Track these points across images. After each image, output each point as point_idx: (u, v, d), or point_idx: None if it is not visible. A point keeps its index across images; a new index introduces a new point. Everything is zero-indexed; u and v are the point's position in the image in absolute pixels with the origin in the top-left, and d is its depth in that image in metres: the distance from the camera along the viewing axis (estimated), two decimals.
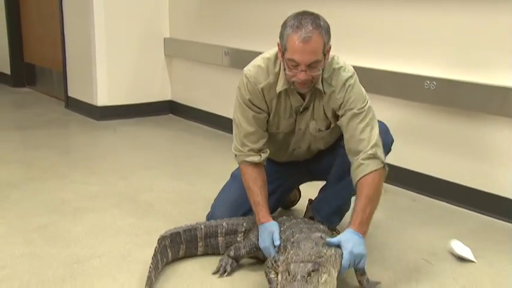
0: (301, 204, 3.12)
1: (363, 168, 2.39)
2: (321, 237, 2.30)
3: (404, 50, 3.49)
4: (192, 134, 4.98)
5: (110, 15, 5.19)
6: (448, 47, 3.27)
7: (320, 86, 2.46)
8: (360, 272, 2.33)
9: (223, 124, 4.84)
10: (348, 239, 2.27)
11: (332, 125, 2.57)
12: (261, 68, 2.52)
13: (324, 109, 2.53)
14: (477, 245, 2.75)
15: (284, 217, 2.57)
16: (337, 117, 2.53)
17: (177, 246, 2.55)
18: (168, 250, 2.51)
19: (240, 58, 4.10)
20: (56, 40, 5.86)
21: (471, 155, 3.25)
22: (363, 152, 2.40)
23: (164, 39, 5.51)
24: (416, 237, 2.91)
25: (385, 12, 3.58)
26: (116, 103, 5.38)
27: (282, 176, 2.81)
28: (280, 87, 2.49)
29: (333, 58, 2.48)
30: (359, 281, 2.34)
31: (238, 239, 2.62)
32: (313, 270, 2.07)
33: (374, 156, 2.40)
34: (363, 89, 2.52)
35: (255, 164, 2.57)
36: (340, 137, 2.57)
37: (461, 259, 2.64)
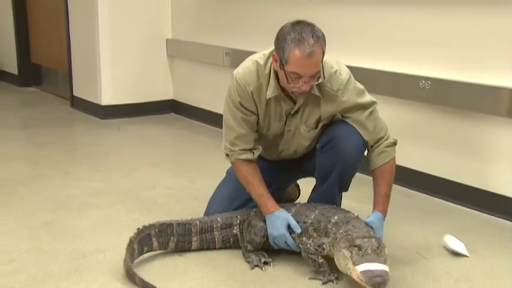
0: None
1: (385, 156, 2.52)
2: (358, 216, 2.39)
3: (399, 50, 3.49)
4: (194, 132, 4.98)
5: (114, 17, 5.18)
6: (442, 48, 3.27)
7: (315, 92, 2.45)
8: None
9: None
10: (379, 227, 2.42)
11: (321, 124, 2.57)
12: (251, 70, 2.49)
13: (319, 112, 2.52)
14: (470, 240, 2.75)
15: (299, 205, 2.56)
16: (331, 116, 2.54)
17: (166, 237, 2.53)
18: (153, 239, 2.50)
19: (240, 58, 4.06)
20: (62, 41, 5.86)
21: (465, 153, 3.25)
22: (383, 139, 2.52)
23: (166, 40, 5.50)
24: (412, 232, 2.91)
25: (381, 14, 3.58)
26: (119, 102, 5.38)
27: (274, 173, 2.77)
28: (270, 93, 2.46)
29: (325, 62, 2.43)
30: None
31: (234, 231, 2.61)
32: (379, 245, 2.17)
33: (394, 144, 2.54)
34: (361, 85, 2.53)
35: (249, 161, 2.57)
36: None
37: (455, 254, 2.64)
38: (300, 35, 2.28)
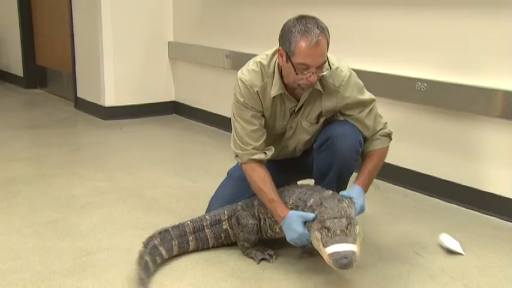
0: None
1: (378, 142, 2.56)
2: (333, 193, 2.36)
3: (396, 53, 3.49)
4: (195, 133, 4.98)
5: (116, 20, 5.18)
6: (438, 51, 3.27)
7: (318, 86, 2.45)
8: None
9: (224, 123, 4.84)
10: (358, 195, 2.41)
11: (322, 119, 2.57)
12: (255, 71, 2.49)
13: (320, 107, 2.52)
14: (465, 238, 2.76)
15: (281, 189, 2.52)
16: (332, 111, 2.54)
17: (169, 243, 2.50)
18: (160, 248, 2.46)
19: (240, 60, 4.09)
20: (66, 44, 5.86)
21: (460, 153, 3.25)
22: (381, 130, 2.56)
23: (168, 42, 5.50)
24: (408, 231, 2.91)
25: (378, 17, 3.57)
26: (122, 103, 5.38)
27: (273, 173, 2.74)
28: (275, 92, 2.46)
29: (327, 58, 2.44)
30: None
31: (224, 227, 2.59)
32: (348, 224, 2.13)
33: (389, 135, 2.58)
34: (360, 81, 2.54)
35: (260, 163, 2.52)
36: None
37: (450, 252, 2.64)
38: (305, 26, 2.29)
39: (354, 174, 2.60)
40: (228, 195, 2.72)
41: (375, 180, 2.68)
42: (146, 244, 2.44)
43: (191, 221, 2.60)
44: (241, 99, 2.50)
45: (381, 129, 2.56)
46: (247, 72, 2.51)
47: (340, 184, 2.58)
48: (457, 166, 3.28)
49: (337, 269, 2.04)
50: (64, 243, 2.66)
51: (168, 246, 2.51)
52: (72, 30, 5.62)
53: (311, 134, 2.61)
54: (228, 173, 2.87)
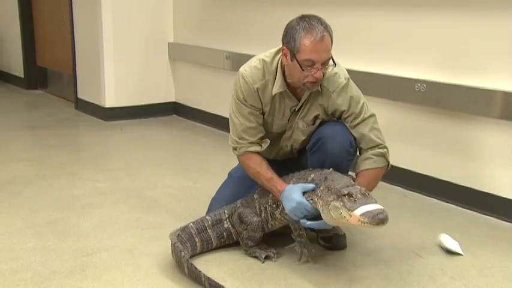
0: None
1: (370, 162, 2.46)
2: (333, 170, 2.36)
3: (396, 54, 3.49)
4: (195, 134, 4.98)
5: (117, 21, 5.18)
6: (437, 51, 3.27)
7: (318, 87, 2.46)
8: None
9: (224, 124, 4.80)
10: None
11: (318, 121, 2.57)
12: (257, 68, 2.50)
13: (317, 109, 2.52)
14: (464, 238, 2.75)
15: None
16: (327, 115, 2.54)
17: (184, 245, 2.48)
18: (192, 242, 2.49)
19: (240, 62, 4.07)
20: (67, 45, 5.86)
21: (459, 154, 3.25)
22: (373, 148, 2.48)
23: (168, 43, 5.50)
24: (407, 231, 2.91)
25: (378, 18, 3.57)
26: (122, 104, 5.37)
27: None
28: (276, 89, 2.47)
29: None
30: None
31: (226, 226, 2.59)
32: (365, 189, 2.17)
33: (383, 155, 2.48)
34: (359, 91, 2.52)
35: (257, 153, 2.56)
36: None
37: (450, 252, 2.64)
38: (309, 23, 2.32)
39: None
40: (229, 196, 2.72)
41: None
42: (178, 236, 2.45)
43: (193, 223, 2.59)
44: (241, 96, 2.51)
45: (374, 147, 2.49)
46: (249, 69, 2.52)
47: None
48: (456, 167, 3.28)
49: (374, 226, 2.03)
50: (64, 244, 2.66)
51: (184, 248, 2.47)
52: (73, 31, 5.61)
53: (306, 134, 2.61)
54: (229, 174, 2.87)
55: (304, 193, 2.31)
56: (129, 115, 5.37)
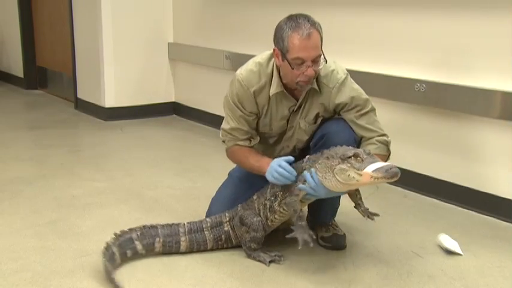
0: None
1: (373, 148, 2.46)
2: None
3: (395, 54, 3.49)
4: (195, 134, 4.98)
5: (117, 21, 5.18)
6: (437, 52, 3.27)
7: (315, 85, 2.46)
8: None
9: None
10: None
11: (319, 119, 2.57)
12: (253, 71, 2.51)
13: (317, 107, 2.52)
14: (464, 238, 2.76)
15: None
16: (328, 112, 2.54)
17: (150, 239, 2.51)
18: (136, 242, 2.48)
19: (240, 62, 4.08)
20: (67, 45, 5.86)
21: (459, 154, 3.25)
22: (378, 136, 2.50)
23: (168, 43, 5.50)
24: (407, 231, 2.91)
25: (377, 18, 3.57)
26: (122, 104, 5.37)
27: None
28: (273, 90, 2.48)
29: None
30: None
31: (225, 228, 2.59)
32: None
33: (386, 144, 2.50)
34: (358, 86, 2.54)
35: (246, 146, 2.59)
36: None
37: (449, 252, 2.64)
38: (296, 22, 2.34)
39: None
40: (229, 196, 2.72)
41: None
42: (119, 235, 2.46)
43: (189, 222, 2.60)
44: (235, 98, 2.53)
45: (378, 135, 2.52)
46: (245, 72, 2.53)
47: None
48: (456, 167, 3.28)
49: (389, 179, 2.08)
50: (64, 244, 2.66)
51: (148, 242, 2.51)
52: (73, 32, 5.61)
53: (309, 134, 2.62)
54: (229, 174, 2.88)
55: (290, 164, 2.38)
56: (129, 115, 5.37)
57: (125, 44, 5.27)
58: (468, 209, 3.21)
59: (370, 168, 2.09)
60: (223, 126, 2.64)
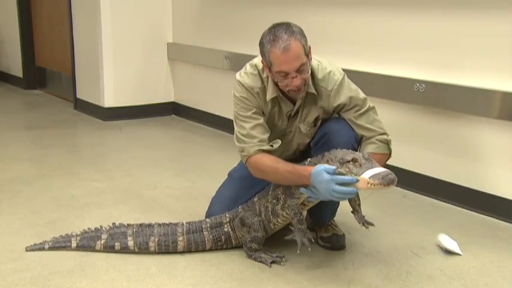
0: None
1: (373, 147, 2.47)
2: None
3: (395, 54, 3.49)
4: (194, 134, 4.98)
5: (116, 21, 5.18)
6: (436, 52, 3.27)
7: (312, 90, 2.45)
8: None
9: (223, 124, 4.84)
10: None
11: (319, 122, 2.57)
12: (253, 74, 2.52)
13: (316, 110, 2.52)
14: (463, 238, 2.76)
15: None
16: (328, 114, 2.54)
17: (144, 237, 2.53)
18: (129, 238, 2.53)
19: (239, 62, 4.10)
20: (66, 45, 5.86)
21: (458, 154, 3.25)
22: (378, 134, 2.49)
23: (168, 43, 5.50)
24: (406, 231, 2.91)
25: (377, 18, 3.57)
26: (121, 104, 5.37)
27: None
28: (269, 95, 2.48)
29: (320, 63, 2.49)
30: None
31: (225, 229, 2.59)
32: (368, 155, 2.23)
33: (387, 143, 2.49)
34: (355, 86, 2.54)
35: (268, 152, 2.49)
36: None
37: (449, 252, 2.64)
38: (274, 35, 2.33)
39: None
40: (230, 196, 2.72)
41: None
42: (115, 227, 2.52)
43: (188, 222, 2.60)
44: (242, 99, 2.51)
45: (378, 135, 2.51)
46: (245, 76, 2.52)
47: None
48: (455, 167, 3.28)
49: (385, 187, 2.07)
50: None
51: (142, 240, 2.53)
52: (72, 32, 5.61)
53: (310, 136, 2.62)
54: (229, 174, 2.87)
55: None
56: (128, 115, 5.37)
57: (124, 44, 5.27)
58: (467, 209, 3.21)
59: (367, 174, 2.10)
60: (238, 135, 2.52)
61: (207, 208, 2.80)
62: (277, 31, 2.33)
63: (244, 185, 2.68)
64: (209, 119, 5.16)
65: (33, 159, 4.09)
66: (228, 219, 2.60)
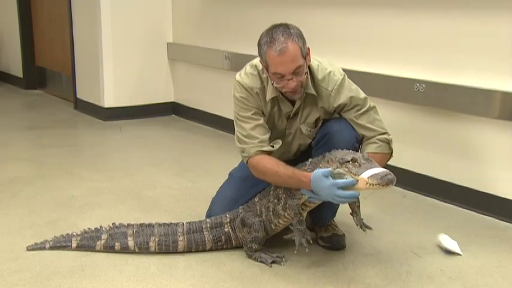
0: None
1: (374, 147, 2.47)
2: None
3: (395, 54, 3.49)
4: (194, 134, 4.97)
5: (116, 22, 5.18)
6: (436, 52, 3.27)
7: (311, 91, 2.45)
8: None
9: (223, 124, 4.84)
10: None
11: (319, 123, 2.57)
12: (253, 74, 2.52)
13: (317, 111, 2.52)
14: (463, 238, 2.76)
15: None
16: (328, 114, 2.54)
17: (145, 237, 2.54)
18: (129, 238, 2.54)
19: (239, 62, 4.11)
20: (66, 45, 5.86)
21: (458, 154, 3.25)
22: (378, 134, 2.49)
23: (168, 43, 5.50)
24: (406, 231, 2.91)
25: (377, 18, 3.57)
26: (121, 104, 5.37)
27: None
28: (269, 95, 2.49)
29: (320, 63, 2.49)
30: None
31: (226, 229, 2.59)
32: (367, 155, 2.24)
33: (388, 142, 2.49)
34: (356, 86, 2.54)
35: (268, 154, 2.49)
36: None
37: (449, 252, 2.64)
38: (271, 37, 2.33)
39: None
40: (230, 196, 2.72)
41: None
42: (115, 227, 2.52)
43: (188, 222, 2.60)
44: (242, 100, 2.51)
45: (379, 134, 2.51)
46: (245, 76, 2.52)
47: None
48: (455, 167, 3.28)
49: (383, 187, 2.07)
50: None
51: (142, 240, 2.53)
52: (72, 32, 5.61)
53: (311, 137, 2.62)
54: (230, 174, 2.87)
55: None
56: (128, 115, 5.37)
57: (124, 44, 5.27)
58: (467, 209, 3.21)
59: (366, 174, 2.10)
60: (238, 136, 2.53)
61: (207, 208, 2.80)
62: (274, 33, 2.33)
63: (245, 185, 2.68)
64: (209, 119, 5.16)
65: (33, 159, 4.10)
66: (228, 220, 2.60)
